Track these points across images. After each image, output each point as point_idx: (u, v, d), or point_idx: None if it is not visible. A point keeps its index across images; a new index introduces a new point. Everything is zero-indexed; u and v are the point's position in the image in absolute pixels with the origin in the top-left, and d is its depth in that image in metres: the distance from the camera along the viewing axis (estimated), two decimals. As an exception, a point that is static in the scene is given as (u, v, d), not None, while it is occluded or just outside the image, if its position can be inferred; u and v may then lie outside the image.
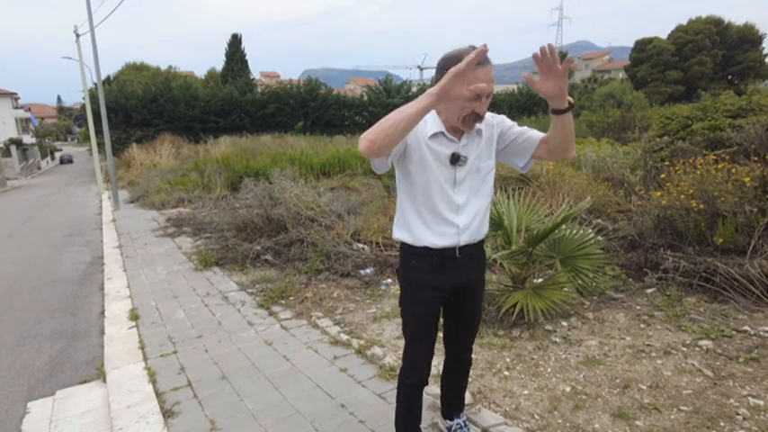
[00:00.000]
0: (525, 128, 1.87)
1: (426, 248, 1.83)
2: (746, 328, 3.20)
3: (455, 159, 1.77)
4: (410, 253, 1.88)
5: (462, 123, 1.71)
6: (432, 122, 1.77)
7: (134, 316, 4.39)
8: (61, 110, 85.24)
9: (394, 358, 3.18)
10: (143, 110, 26.88)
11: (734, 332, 3.17)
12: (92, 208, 12.93)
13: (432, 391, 2.74)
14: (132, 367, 3.39)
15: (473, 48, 1.55)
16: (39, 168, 34.97)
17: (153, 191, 12.61)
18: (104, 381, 3.31)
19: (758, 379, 2.64)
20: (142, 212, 10.91)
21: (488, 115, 1.83)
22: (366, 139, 1.45)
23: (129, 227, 9.12)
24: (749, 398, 2.47)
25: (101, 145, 18.29)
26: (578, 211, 3.51)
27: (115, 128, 23.74)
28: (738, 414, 2.35)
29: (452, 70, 1.37)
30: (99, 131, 17.76)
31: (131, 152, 20.38)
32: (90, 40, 11.91)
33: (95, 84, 27.42)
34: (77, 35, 16.18)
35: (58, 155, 44.71)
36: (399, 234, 1.91)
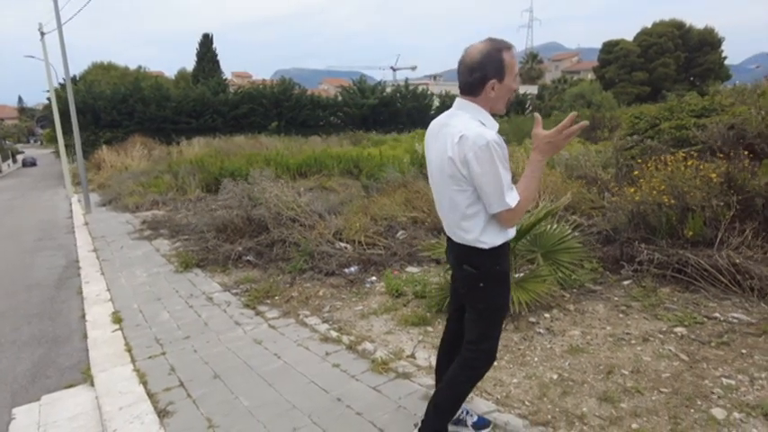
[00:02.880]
0: None
1: (508, 240, 1.99)
2: (717, 315, 3.39)
3: None
4: (501, 249, 1.95)
5: (505, 106, 1.92)
6: (491, 120, 1.87)
7: (117, 319, 4.33)
8: (23, 110, 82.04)
9: (385, 352, 3.25)
10: (112, 110, 26.16)
11: (705, 319, 3.35)
12: (61, 211, 12.54)
13: (425, 382, 2.83)
14: (120, 369, 3.35)
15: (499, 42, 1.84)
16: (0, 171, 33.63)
17: (126, 193, 12.33)
18: (92, 384, 3.27)
19: (729, 361, 2.81)
20: (115, 215, 10.67)
21: None
22: (521, 212, 1.85)
23: (103, 230, 8.91)
24: (722, 378, 2.64)
25: (68, 146, 17.75)
26: (560, 206, 3.66)
27: (83, 129, 22.93)
28: (713, 393, 2.51)
29: (560, 130, 1.77)
30: (66, 132, 17.25)
31: (101, 154, 19.85)
32: (55, 37, 11.58)
33: (60, 83, 26.51)
34: (42, 33, 15.69)
35: (20, 157, 43.01)
36: (494, 239, 1.91)
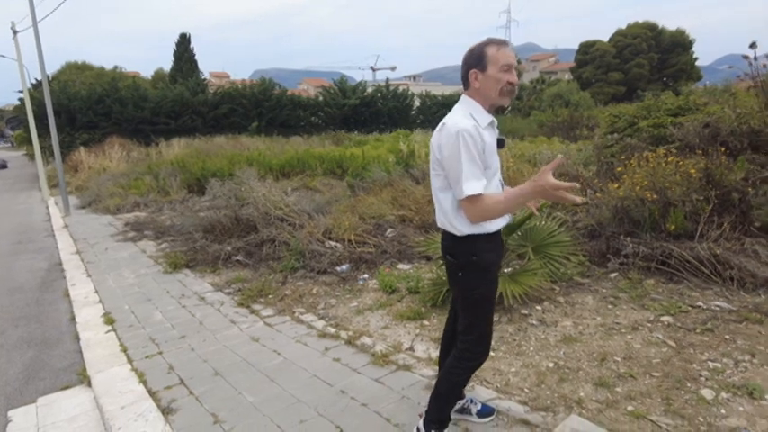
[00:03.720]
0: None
1: (497, 231, 2.03)
2: (700, 303, 3.55)
3: (501, 144, 1.98)
4: (484, 239, 1.98)
5: (500, 97, 1.93)
6: (481, 114, 1.92)
7: (109, 320, 4.29)
8: (-9, 112, 79.40)
9: (384, 346, 3.31)
10: (88, 111, 25.51)
11: (690, 308, 3.50)
12: (38, 215, 12.23)
13: (426, 373, 2.89)
14: (118, 369, 3.33)
15: (490, 39, 1.92)
16: (-31, 174, 32.53)
17: (106, 195, 12.11)
18: (89, 385, 3.24)
19: (714, 346, 2.96)
20: (96, 218, 10.48)
21: None
22: (482, 211, 1.85)
23: (84, 233, 8.75)
24: (708, 362, 2.78)
25: (43, 148, 17.29)
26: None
27: (59, 130, 22.40)
28: (701, 376, 2.64)
29: (557, 186, 1.66)
30: (40, 134, 16.81)
31: (78, 156, 19.40)
32: (26, 36, 11.28)
33: (33, 84, 25.73)
34: (15, 31, 15.29)
35: (-11, 160, 41.63)
36: (465, 227, 1.95)
